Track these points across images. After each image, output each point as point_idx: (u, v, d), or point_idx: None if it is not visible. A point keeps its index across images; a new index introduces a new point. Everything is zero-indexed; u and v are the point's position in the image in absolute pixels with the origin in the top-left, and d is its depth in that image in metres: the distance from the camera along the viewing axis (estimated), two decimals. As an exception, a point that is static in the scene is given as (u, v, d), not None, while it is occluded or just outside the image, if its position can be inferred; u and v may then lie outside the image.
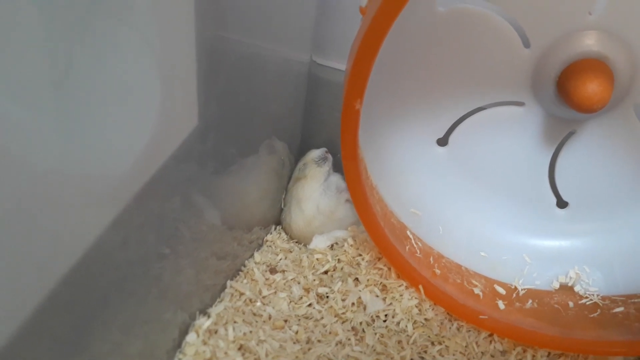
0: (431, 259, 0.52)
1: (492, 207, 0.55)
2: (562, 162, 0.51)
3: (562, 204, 0.54)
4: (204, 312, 0.46)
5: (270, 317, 0.47)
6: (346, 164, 0.45)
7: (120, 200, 0.33)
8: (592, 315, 0.49)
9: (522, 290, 0.52)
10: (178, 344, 0.42)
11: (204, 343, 0.42)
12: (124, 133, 0.32)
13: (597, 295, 0.50)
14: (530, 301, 0.51)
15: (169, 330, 0.42)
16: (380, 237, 0.48)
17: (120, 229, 0.34)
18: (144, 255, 0.38)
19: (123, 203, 0.33)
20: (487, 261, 0.54)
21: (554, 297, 0.51)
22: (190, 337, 0.42)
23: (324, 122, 0.65)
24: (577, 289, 0.51)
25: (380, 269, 0.52)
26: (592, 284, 0.51)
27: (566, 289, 0.51)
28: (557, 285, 0.52)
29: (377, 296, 0.50)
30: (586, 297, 0.50)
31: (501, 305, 0.50)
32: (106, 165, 0.31)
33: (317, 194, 0.59)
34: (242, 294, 0.49)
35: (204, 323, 0.43)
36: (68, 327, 0.31)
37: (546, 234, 0.54)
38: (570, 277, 0.52)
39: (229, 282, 0.50)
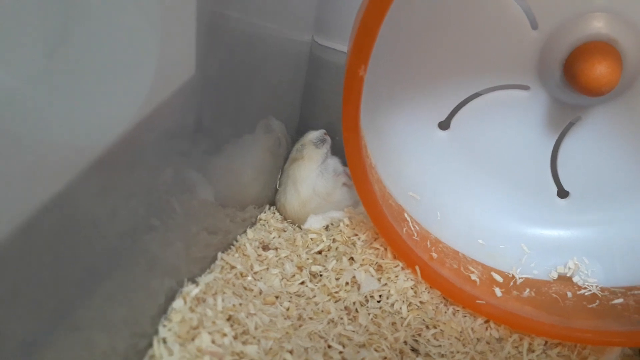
0: (428, 242, 0.51)
1: (491, 194, 0.54)
2: (565, 150, 0.50)
3: (563, 193, 0.53)
4: (193, 281, 0.44)
5: (261, 292, 0.46)
6: (347, 136, 0.43)
7: (108, 165, 0.31)
8: (590, 306, 0.48)
9: (519, 278, 0.50)
10: (164, 310, 0.40)
11: (192, 310, 0.40)
12: (119, 88, 0.31)
13: (596, 286, 0.49)
14: (527, 290, 0.49)
15: (155, 297, 0.40)
16: (378, 214, 0.47)
17: (109, 197, 0.32)
18: (132, 225, 0.36)
19: (111, 169, 0.32)
20: (485, 249, 0.52)
21: (552, 287, 0.50)
22: (177, 303, 0.40)
23: (323, 104, 0.64)
24: (575, 279, 0.50)
25: (377, 248, 0.51)
26: (591, 275, 0.50)
27: (564, 280, 0.50)
28: (555, 276, 0.51)
29: (372, 276, 0.48)
30: (585, 288, 0.49)
31: (498, 292, 0.49)
32: (93, 126, 0.30)
33: (313, 175, 0.58)
34: (233, 267, 0.47)
35: (192, 290, 0.41)
36: (48, 294, 0.30)
37: (546, 224, 0.53)
38: (569, 268, 0.51)
39: (219, 254, 0.48)
